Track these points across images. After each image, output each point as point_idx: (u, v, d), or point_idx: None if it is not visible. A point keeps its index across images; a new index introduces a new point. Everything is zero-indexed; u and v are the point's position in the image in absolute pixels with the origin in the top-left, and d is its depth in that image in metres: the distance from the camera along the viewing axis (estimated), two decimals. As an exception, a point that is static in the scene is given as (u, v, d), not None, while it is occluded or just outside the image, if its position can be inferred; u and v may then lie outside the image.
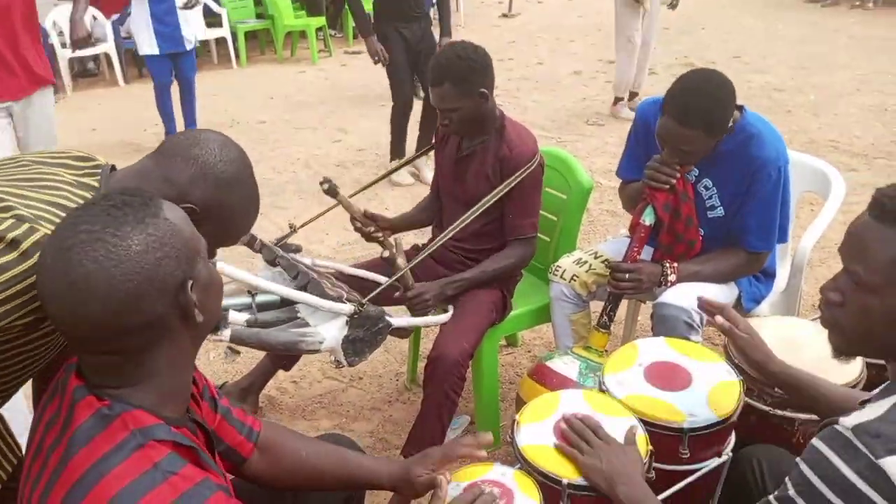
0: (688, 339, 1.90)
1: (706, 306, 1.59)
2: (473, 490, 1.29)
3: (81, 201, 1.16)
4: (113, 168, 1.26)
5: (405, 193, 4.54)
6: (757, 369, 1.54)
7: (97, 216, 0.92)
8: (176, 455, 0.93)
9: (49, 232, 1.07)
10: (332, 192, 2.31)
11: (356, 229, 2.42)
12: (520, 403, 2.10)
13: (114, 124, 6.11)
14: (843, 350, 1.18)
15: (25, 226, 1.08)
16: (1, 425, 1.41)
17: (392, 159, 4.78)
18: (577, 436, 1.44)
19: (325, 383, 2.83)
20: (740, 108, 2.06)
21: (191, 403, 1.08)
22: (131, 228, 0.92)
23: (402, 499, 2.04)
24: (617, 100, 5.79)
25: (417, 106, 4.73)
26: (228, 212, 1.26)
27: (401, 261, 2.15)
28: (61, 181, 1.19)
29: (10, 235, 1.07)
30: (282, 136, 5.76)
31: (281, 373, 2.63)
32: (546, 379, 2.03)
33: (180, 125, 5.39)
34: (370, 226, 2.40)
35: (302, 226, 2.40)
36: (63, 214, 1.12)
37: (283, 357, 2.50)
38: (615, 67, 5.74)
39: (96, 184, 1.20)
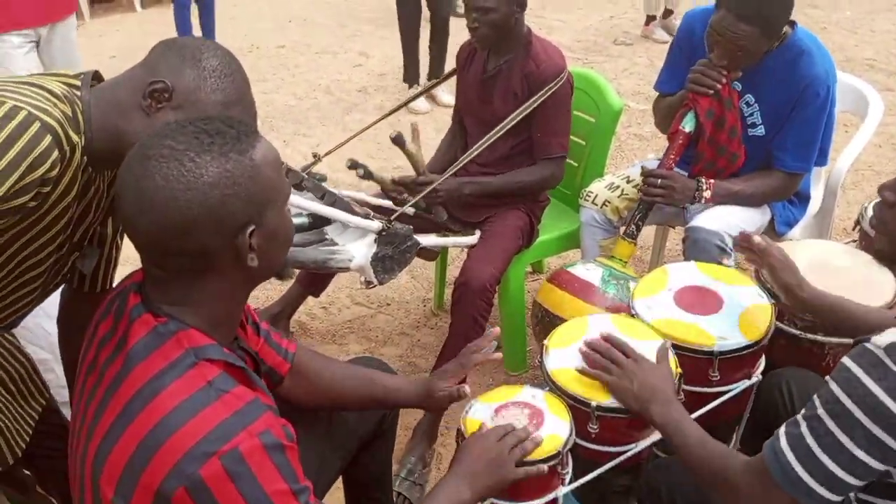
0: (720, 263, 1.88)
1: (743, 238, 1.57)
2: (505, 426, 1.32)
3: (61, 87, 1.11)
4: (97, 75, 1.21)
5: (425, 119, 4.48)
6: (788, 294, 1.53)
7: (185, 136, 0.92)
8: (227, 375, 0.96)
9: (21, 105, 1.02)
10: (367, 175, 2.22)
11: (388, 197, 2.29)
12: (536, 308, 2.10)
13: (133, 51, 6.02)
14: (884, 254, 1.19)
15: None
16: (29, 366, 1.44)
17: (405, 80, 4.70)
18: (603, 357, 1.44)
19: (353, 309, 2.87)
20: (792, 23, 1.98)
21: (237, 329, 1.10)
22: (211, 158, 0.91)
23: (431, 418, 2.12)
24: (649, 19, 5.54)
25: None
26: (204, 108, 1.13)
27: (412, 145, 2.11)
28: (43, 76, 1.15)
29: None
30: (302, 61, 5.66)
31: (310, 299, 2.66)
32: (567, 284, 2.01)
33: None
34: (403, 192, 2.25)
35: (326, 154, 2.38)
36: (42, 93, 1.07)
37: (313, 283, 2.53)
38: None
39: (77, 82, 1.15)
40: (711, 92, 1.98)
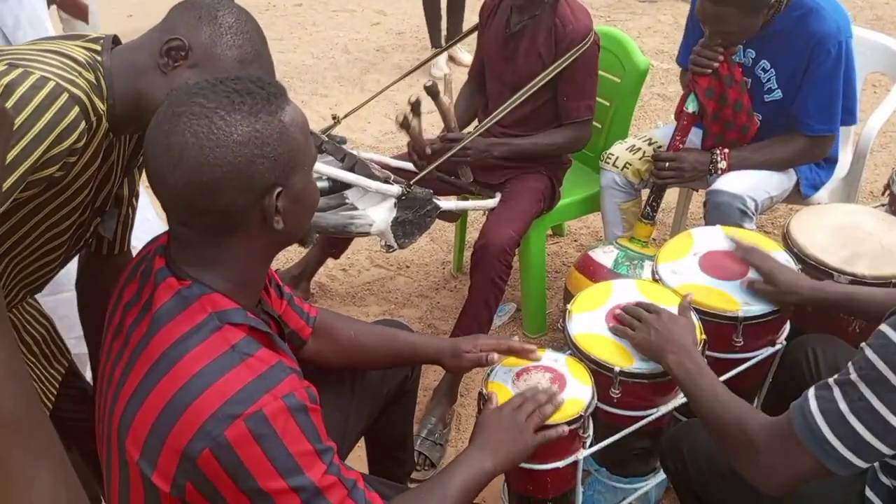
0: (741, 226, 1.86)
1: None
2: (524, 392, 1.32)
3: (84, 54, 1.11)
4: (116, 40, 1.19)
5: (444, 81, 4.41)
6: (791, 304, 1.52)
7: (216, 94, 0.92)
8: (251, 339, 0.96)
9: (48, 76, 1.01)
10: (406, 125, 2.17)
11: (412, 160, 2.23)
12: (567, 296, 2.11)
13: (149, 9, 5.98)
14: None
15: (19, 70, 1.00)
16: (52, 329, 1.45)
17: (433, 46, 4.63)
18: (629, 316, 1.44)
19: (373, 271, 2.87)
20: None
21: (262, 293, 1.10)
22: (241, 117, 0.91)
23: (451, 379, 2.12)
24: None
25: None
26: (221, 65, 1.12)
27: (444, 98, 2.08)
28: (63, 41, 1.14)
29: (4, 80, 0.99)
30: (319, 19, 5.58)
31: (330, 261, 2.67)
32: (586, 269, 2.05)
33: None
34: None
35: (345, 116, 2.36)
36: (67, 62, 1.06)
37: (333, 245, 2.53)
38: None
39: (98, 47, 1.14)
40: (709, 72, 1.95)
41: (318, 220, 1.88)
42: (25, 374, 0.54)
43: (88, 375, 1.68)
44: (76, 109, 1.02)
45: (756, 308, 1.51)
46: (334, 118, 2.33)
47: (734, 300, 1.52)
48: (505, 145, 2.19)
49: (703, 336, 1.46)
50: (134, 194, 1.38)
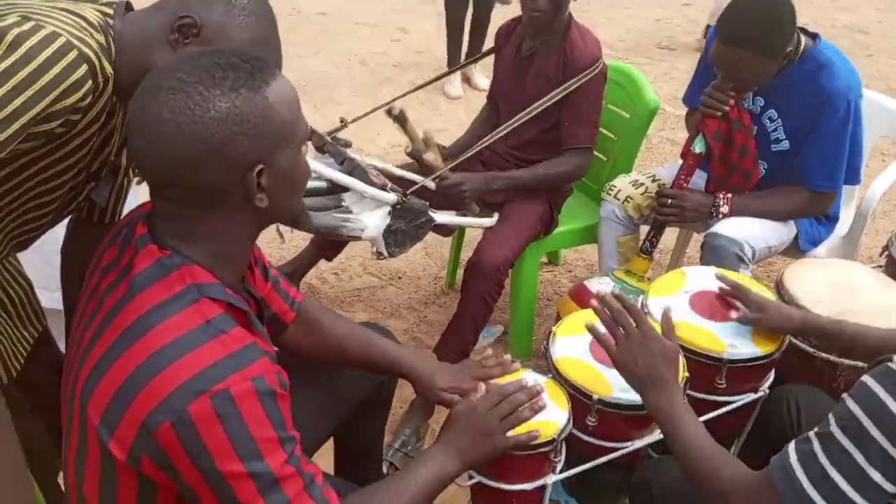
0: (736, 272, 1.85)
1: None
2: (504, 389, 1.28)
3: (96, 16, 1.10)
4: (129, 5, 1.19)
5: (458, 103, 4.44)
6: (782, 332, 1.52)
7: (196, 69, 0.90)
8: (228, 315, 0.94)
9: (59, 32, 1.00)
10: (401, 118, 2.21)
11: (407, 153, 2.25)
12: (557, 319, 2.09)
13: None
14: None
15: (31, 23, 0.99)
16: (30, 291, 1.43)
17: (449, 65, 4.66)
18: (611, 320, 1.30)
19: (364, 278, 2.86)
20: (814, 35, 1.94)
21: (246, 272, 1.08)
22: (220, 93, 0.89)
23: (426, 404, 2.08)
24: (709, 28, 5.46)
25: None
26: (233, 43, 1.11)
27: (430, 155, 2.09)
28: (77, 2, 1.14)
29: (15, 31, 0.97)
30: (342, 29, 5.63)
31: (323, 263, 2.65)
32: (580, 297, 2.03)
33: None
34: (423, 151, 2.22)
35: (353, 121, 2.36)
36: (80, 21, 1.05)
37: (327, 247, 2.52)
38: None
39: (111, 11, 1.14)
40: (719, 114, 1.95)
41: (311, 218, 1.87)
42: None
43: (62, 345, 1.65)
44: (84, 67, 1.02)
45: (742, 351, 1.49)
46: (342, 121, 2.33)
47: (720, 341, 1.51)
48: (503, 179, 2.18)
49: (686, 374, 1.44)
50: (131, 166, 1.38)
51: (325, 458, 1.64)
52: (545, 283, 2.84)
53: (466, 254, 2.84)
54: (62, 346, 1.64)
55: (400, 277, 2.86)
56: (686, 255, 2.74)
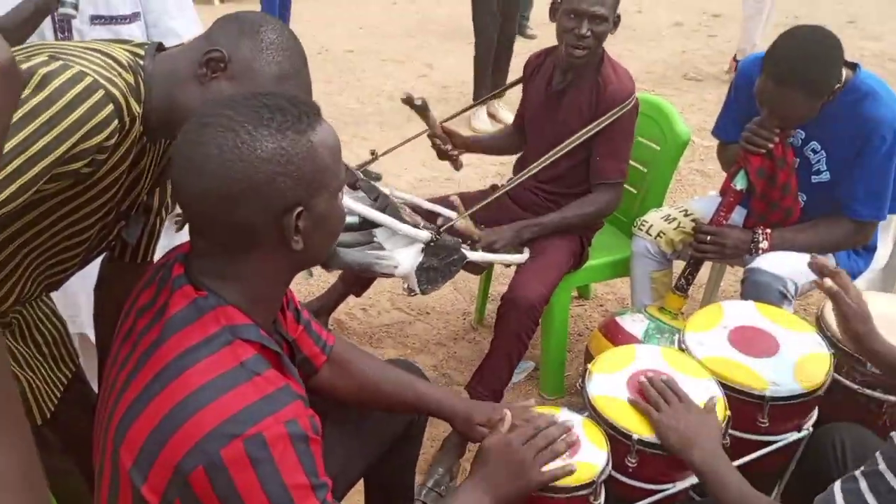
0: (779, 307, 1.80)
1: (818, 267, 1.48)
2: (537, 423, 1.26)
3: (127, 56, 1.11)
4: (161, 46, 1.20)
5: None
6: (857, 343, 1.45)
7: (246, 108, 0.91)
8: (261, 357, 0.94)
9: (87, 71, 1.01)
10: (423, 108, 2.25)
11: (433, 146, 2.36)
12: (588, 357, 2.06)
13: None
14: None
15: (59, 63, 1.00)
16: (63, 331, 1.44)
17: (475, 99, 4.70)
18: (656, 393, 1.38)
19: (393, 314, 2.84)
20: (854, 66, 1.91)
21: (278, 314, 1.08)
22: (268, 133, 0.90)
23: (459, 437, 2.06)
24: (737, 60, 5.42)
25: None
26: (259, 80, 1.11)
27: (461, 223, 2.09)
28: (109, 43, 1.15)
29: (42, 70, 0.97)
30: (368, 67, 5.72)
31: (351, 298, 2.65)
32: (612, 334, 1.99)
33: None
34: (447, 142, 2.33)
35: (384, 153, 2.37)
36: (108, 61, 1.06)
37: (355, 282, 2.51)
38: (742, 23, 5.33)
39: (142, 52, 1.15)
40: (763, 152, 1.92)
41: (344, 255, 1.87)
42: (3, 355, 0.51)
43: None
44: (110, 107, 1.02)
45: (784, 388, 1.45)
46: (372, 153, 2.34)
47: (762, 378, 1.47)
48: (535, 226, 2.18)
49: (728, 412, 1.40)
50: (164, 206, 1.38)
51: (355, 499, 1.62)
52: (576, 318, 2.80)
53: (495, 288, 2.83)
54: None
55: (428, 313, 2.85)
56: (721, 289, 2.69)
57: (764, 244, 2.00)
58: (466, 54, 4.69)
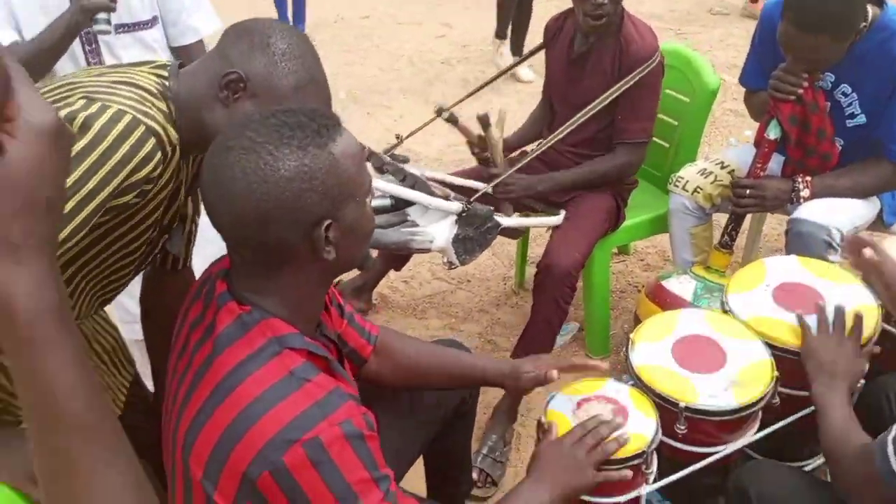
0: (825, 258, 1.78)
1: (851, 246, 1.48)
2: (586, 424, 1.28)
3: (154, 82, 1.13)
4: (181, 64, 1.22)
5: (508, 98, 4.41)
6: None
7: (266, 127, 0.93)
8: (309, 363, 0.97)
9: (125, 109, 1.04)
10: (452, 119, 2.23)
11: (473, 154, 2.31)
12: (637, 323, 2.06)
13: (227, 13, 6.16)
14: None
15: (97, 104, 1.03)
16: (119, 337, 1.49)
17: (496, 36, 4.63)
18: (827, 318, 1.45)
19: (434, 284, 2.88)
20: (881, 2, 1.83)
21: (322, 314, 1.11)
22: (290, 152, 0.92)
23: (510, 399, 2.11)
24: None
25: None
26: (279, 93, 1.13)
27: (495, 131, 2.08)
28: (131, 68, 1.17)
29: (83, 114, 1.01)
30: (386, 31, 5.65)
31: (392, 272, 2.69)
32: (660, 299, 1.99)
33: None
34: (486, 150, 2.25)
35: (408, 136, 2.37)
36: (140, 93, 1.09)
37: (395, 257, 2.54)
38: None
39: (166, 73, 1.17)
40: (793, 98, 1.87)
41: (379, 236, 1.90)
42: (93, 376, 0.55)
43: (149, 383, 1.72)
44: (152, 141, 1.06)
45: (832, 344, 1.44)
46: (397, 137, 2.34)
47: (809, 335, 1.46)
48: (550, 181, 2.16)
49: (776, 373, 1.40)
50: (197, 212, 1.42)
51: (415, 474, 1.67)
52: (617, 275, 2.80)
53: (533, 251, 2.84)
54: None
55: (469, 281, 2.87)
56: (763, 235, 2.66)
57: (805, 192, 1.96)
58: (484, 9, 4.60)
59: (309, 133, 0.93)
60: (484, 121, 2.08)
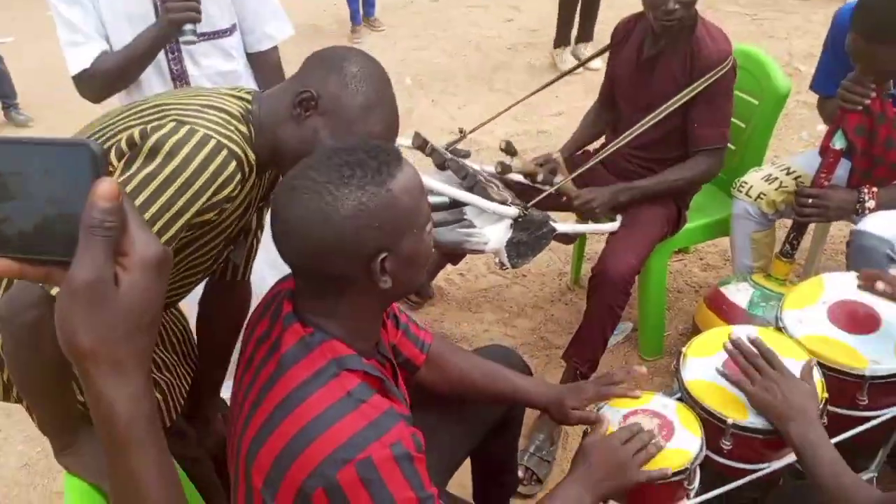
0: (885, 272, 1.74)
1: (867, 280, 1.46)
2: (631, 427, 1.32)
3: (238, 106, 1.21)
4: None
5: (574, 87, 4.36)
6: None
7: (328, 168, 0.99)
8: (366, 385, 1.03)
9: (210, 133, 1.12)
10: (510, 150, 2.25)
11: (533, 182, 2.29)
12: (696, 330, 2.06)
13: (294, 6, 6.27)
14: None
15: (186, 128, 1.11)
16: (187, 325, 1.59)
17: (556, 46, 4.58)
18: (746, 362, 1.39)
19: (489, 278, 2.92)
20: None
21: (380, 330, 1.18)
22: (349, 192, 0.97)
23: (550, 419, 2.13)
24: None
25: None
26: (347, 112, 1.19)
27: (558, 177, 2.10)
28: (216, 92, 1.25)
29: (173, 139, 1.09)
30: (454, 16, 5.66)
31: (449, 266, 2.74)
32: (717, 305, 1.98)
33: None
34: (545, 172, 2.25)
35: (472, 131, 2.40)
36: (225, 117, 1.17)
37: (451, 252, 2.59)
38: None
39: (250, 97, 1.25)
40: (860, 108, 1.82)
41: (435, 235, 1.95)
42: (173, 471, 0.62)
43: None
44: (233, 163, 1.14)
45: (884, 367, 1.42)
46: (460, 131, 2.38)
47: (861, 357, 1.44)
48: (631, 190, 2.15)
49: (826, 394, 1.40)
50: (260, 226, 1.51)
51: (461, 475, 1.73)
52: (675, 274, 2.78)
53: (591, 248, 2.84)
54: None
55: (525, 275, 2.90)
56: (827, 243, 2.59)
57: (870, 203, 1.92)
58: (553, -7, 4.56)
59: (368, 171, 0.98)
60: (509, 149, 2.10)
